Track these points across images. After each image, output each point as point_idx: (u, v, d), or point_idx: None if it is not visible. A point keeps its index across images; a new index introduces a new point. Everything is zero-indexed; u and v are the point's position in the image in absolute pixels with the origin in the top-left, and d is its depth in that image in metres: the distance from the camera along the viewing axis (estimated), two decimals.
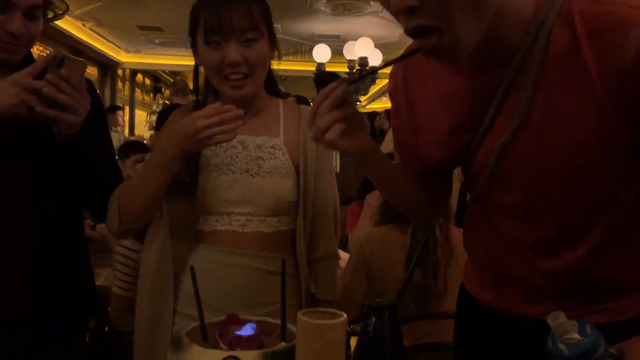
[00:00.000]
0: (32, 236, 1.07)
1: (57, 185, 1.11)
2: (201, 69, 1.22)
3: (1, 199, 1.05)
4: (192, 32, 1.17)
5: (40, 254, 1.08)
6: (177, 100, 5.06)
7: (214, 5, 1.12)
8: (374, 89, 9.25)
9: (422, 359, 1.65)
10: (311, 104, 4.17)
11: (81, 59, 0.99)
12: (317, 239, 1.25)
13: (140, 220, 1.15)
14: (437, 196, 1.03)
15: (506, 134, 0.78)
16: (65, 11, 4.66)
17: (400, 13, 0.71)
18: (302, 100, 4.42)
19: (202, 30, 1.13)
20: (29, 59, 1.13)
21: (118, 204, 1.12)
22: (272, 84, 1.26)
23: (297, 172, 1.21)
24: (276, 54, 1.22)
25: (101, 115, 1.26)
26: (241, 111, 1.07)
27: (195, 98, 1.25)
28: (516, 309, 0.88)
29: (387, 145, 4.04)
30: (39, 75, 0.98)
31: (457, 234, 1.82)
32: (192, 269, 0.80)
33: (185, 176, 1.16)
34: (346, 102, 0.79)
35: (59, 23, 5.34)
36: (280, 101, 1.27)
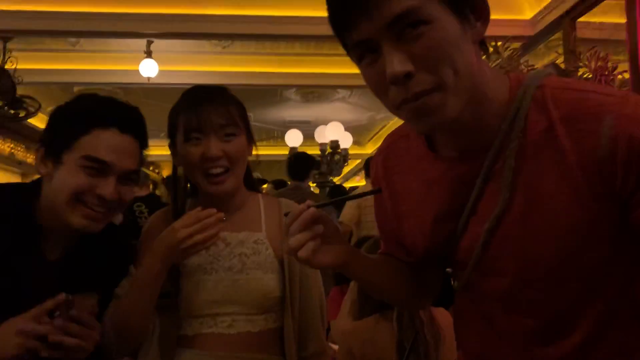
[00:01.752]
0: None
1: None
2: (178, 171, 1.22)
3: None
4: (171, 134, 1.18)
5: None
6: (140, 192, 5.04)
7: (193, 105, 1.15)
8: (346, 169, 9.42)
9: None
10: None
11: (92, 295, 0.94)
12: (306, 336, 1.20)
13: (137, 340, 1.12)
14: (427, 287, 1.00)
15: (490, 220, 0.77)
16: (38, 109, 4.69)
17: (397, 82, 0.68)
18: (281, 184, 4.44)
19: (182, 130, 1.14)
20: (111, 229, 1.08)
21: (112, 333, 1.07)
22: (250, 180, 1.27)
23: (281, 266, 1.18)
24: (253, 150, 1.23)
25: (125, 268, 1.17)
26: (222, 214, 1.06)
27: (173, 202, 1.23)
28: None
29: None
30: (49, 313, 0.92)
31: (439, 312, 1.77)
32: None
33: (166, 284, 1.12)
34: (318, 221, 0.80)
35: (31, 121, 5.38)
36: (260, 196, 1.28)
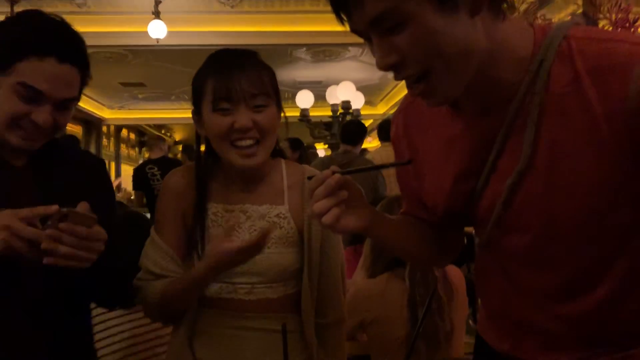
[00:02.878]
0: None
1: (68, 293, 1.05)
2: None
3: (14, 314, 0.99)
4: (197, 101, 1.13)
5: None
6: (153, 155, 5.09)
7: (223, 72, 1.08)
8: None
9: None
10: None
11: (90, 215, 0.92)
12: (326, 304, 1.20)
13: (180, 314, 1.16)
14: (447, 247, 1.00)
15: (512, 176, 0.75)
16: None
17: (388, 71, 0.72)
18: (296, 143, 4.43)
19: (210, 98, 1.08)
20: (51, 142, 1.08)
21: (159, 312, 1.15)
22: (276, 147, 1.22)
23: (301, 238, 1.16)
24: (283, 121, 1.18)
25: (110, 199, 1.20)
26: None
27: (196, 167, 1.18)
28: (536, 358, 0.84)
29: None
30: (42, 219, 0.90)
31: (451, 269, 1.78)
32: (190, 341, 0.76)
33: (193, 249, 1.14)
34: (343, 186, 0.79)
35: None
36: (283, 163, 1.22)
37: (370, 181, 3.55)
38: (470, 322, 1.97)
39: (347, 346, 1.68)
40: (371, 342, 1.73)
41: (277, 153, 1.22)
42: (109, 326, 1.57)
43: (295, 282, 1.16)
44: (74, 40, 1.04)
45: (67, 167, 1.10)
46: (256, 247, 1.01)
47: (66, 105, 1.03)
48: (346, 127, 4.13)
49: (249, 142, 1.08)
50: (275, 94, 1.13)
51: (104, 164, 1.23)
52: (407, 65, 0.71)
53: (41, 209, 0.89)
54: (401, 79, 0.73)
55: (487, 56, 0.72)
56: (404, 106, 0.94)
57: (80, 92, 1.06)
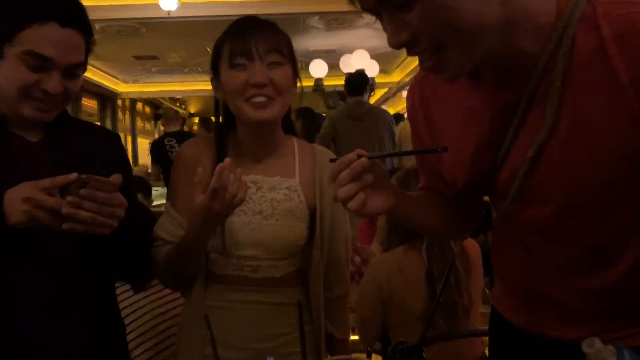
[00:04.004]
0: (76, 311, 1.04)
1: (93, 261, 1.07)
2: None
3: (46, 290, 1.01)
4: (215, 64, 1.15)
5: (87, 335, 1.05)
6: (170, 128, 5.10)
7: (240, 30, 1.12)
8: (373, 99, 9.26)
9: None
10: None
11: (109, 181, 0.92)
12: (332, 279, 1.23)
13: (190, 277, 1.17)
14: (468, 219, 0.99)
15: (533, 147, 0.73)
16: None
17: (397, 48, 0.71)
18: (306, 111, 4.41)
19: (227, 55, 1.11)
20: (64, 115, 1.10)
21: (166, 273, 1.17)
22: (289, 122, 1.24)
23: (311, 214, 1.17)
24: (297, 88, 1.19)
25: (127, 173, 1.19)
26: (239, 170, 1.02)
27: (216, 130, 1.20)
28: (553, 332, 0.83)
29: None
30: (62, 189, 0.91)
31: (468, 243, 1.77)
32: (206, 317, 0.77)
33: None
34: (368, 169, 0.77)
35: None
36: (295, 140, 1.24)
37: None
38: (487, 290, 1.97)
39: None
40: (389, 314, 1.74)
41: (289, 129, 1.24)
42: (131, 303, 1.61)
43: (297, 260, 1.18)
44: (74, 4, 1.04)
45: (82, 141, 1.11)
46: (233, 195, 0.99)
47: (74, 71, 1.03)
48: (351, 79, 4.08)
49: (263, 98, 1.09)
50: (290, 57, 1.14)
51: (120, 138, 1.24)
52: (419, 42, 0.69)
53: (61, 179, 0.91)
54: (414, 54, 0.72)
55: (504, 26, 0.69)
56: (420, 77, 0.92)
57: (86, 59, 1.06)
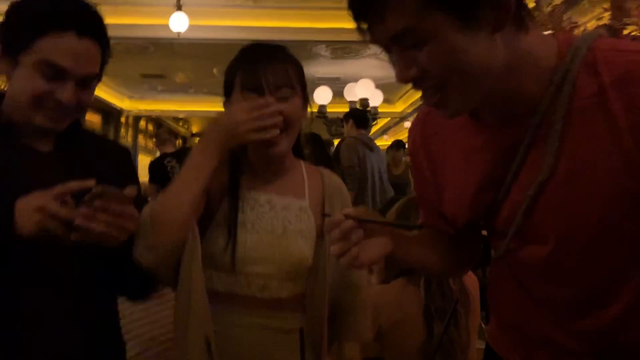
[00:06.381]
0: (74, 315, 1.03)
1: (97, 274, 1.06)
2: None
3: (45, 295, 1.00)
4: (227, 92, 1.17)
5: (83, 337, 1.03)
6: (165, 149, 5.10)
7: (251, 64, 1.13)
8: (375, 128, 9.32)
9: None
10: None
11: (124, 194, 0.92)
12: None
13: (177, 239, 1.04)
14: (467, 255, 0.99)
15: (533, 187, 0.75)
16: None
17: (405, 83, 0.74)
18: (314, 137, 4.46)
19: (239, 89, 1.13)
20: (76, 126, 1.09)
21: (151, 223, 1.02)
22: (298, 146, 1.26)
23: (319, 237, 1.18)
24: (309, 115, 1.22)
25: (137, 187, 1.20)
26: (280, 107, 1.07)
27: (230, 155, 1.19)
28: None
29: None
30: (76, 196, 0.90)
31: (469, 279, 1.75)
32: (207, 341, 0.76)
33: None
34: (359, 225, 0.81)
35: None
36: (302, 163, 1.27)
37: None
38: (483, 325, 1.94)
39: (361, 349, 1.67)
40: (387, 347, 1.71)
41: (298, 153, 1.26)
42: (132, 312, 1.59)
43: (301, 282, 1.18)
44: (92, 15, 1.03)
45: (93, 154, 1.10)
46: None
47: (88, 82, 1.03)
48: (359, 114, 4.56)
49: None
50: (301, 86, 1.17)
51: (130, 153, 1.24)
52: (426, 79, 0.72)
53: (75, 184, 0.89)
54: (419, 90, 0.74)
55: (508, 69, 0.72)
56: (424, 114, 0.94)
57: (101, 70, 1.06)
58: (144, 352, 1.54)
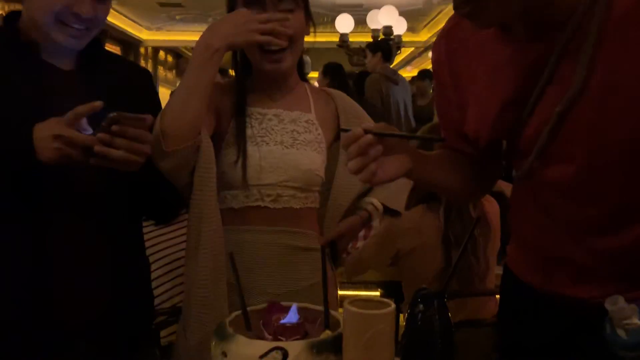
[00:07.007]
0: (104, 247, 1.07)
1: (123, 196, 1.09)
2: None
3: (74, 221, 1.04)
4: (230, 10, 1.17)
5: (112, 268, 1.08)
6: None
7: None
8: (399, 58, 9.07)
9: (460, 335, 1.63)
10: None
11: (141, 117, 0.93)
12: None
13: (190, 135, 1.04)
14: (487, 179, 0.99)
15: (562, 103, 0.72)
16: None
17: None
18: (333, 67, 4.34)
19: (241, 3, 1.14)
20: (97, 45, 1.11)
21: (161, 123, 1.02)
22: (301, 68, 1.28)
23: (327, 149, 1.22)
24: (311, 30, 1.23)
25: (157, 109, 1.17)
26: (287, 17, 1.10)
27: (235, 75, 1.25)
28: (567, 291, 0.84)
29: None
30: (92, 120, 0.92)
31: (491, 208, 1.77)
32: (231, 256, 0.79)
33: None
34: (378, 141, 0.78)
35: None
36: (306, 84, 1.30)
37: None
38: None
39: (378, 273, 1.71)
40: (404, 271, 1.77)
41: (301, 75, 1.28)
42: (152, 237, 1.66)
43: (314, 197, 1.21)
44: None
45: (114, 74, 1.12)
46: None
47: None
48: (384, 46, 4.59)
49: (276, 47, 1.13)
50: (303, 2, 1.18)
51: (151, 75, 1.26)
52: None
53: (83, 108, 0.91)
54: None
55: None
56: (447, 30, 0.90)
57: None
58: (165, 274, 1.62)
